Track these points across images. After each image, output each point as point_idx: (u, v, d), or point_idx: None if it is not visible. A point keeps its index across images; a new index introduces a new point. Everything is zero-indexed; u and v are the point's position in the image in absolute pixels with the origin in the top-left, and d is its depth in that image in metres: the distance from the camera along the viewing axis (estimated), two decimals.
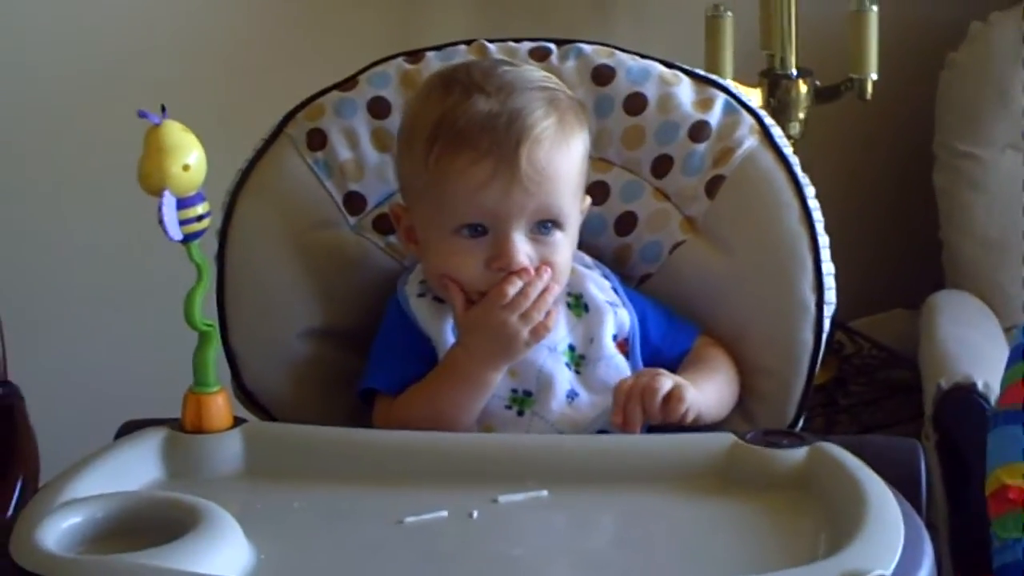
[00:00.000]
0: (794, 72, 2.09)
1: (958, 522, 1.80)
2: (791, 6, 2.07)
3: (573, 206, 1.37)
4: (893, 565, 1.06)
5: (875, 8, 2.03)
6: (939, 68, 2.22)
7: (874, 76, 2.05)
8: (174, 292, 2.02)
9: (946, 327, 2.05)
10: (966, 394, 1.85)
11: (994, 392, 1.84)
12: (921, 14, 2.21)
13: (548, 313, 1.33)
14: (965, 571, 1.76)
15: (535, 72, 1.41)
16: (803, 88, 2.09)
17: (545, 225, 1.35)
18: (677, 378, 1.34)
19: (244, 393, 1.45)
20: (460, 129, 1.33)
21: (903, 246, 2.34)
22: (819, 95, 2.11)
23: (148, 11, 2.04)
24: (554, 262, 1.35)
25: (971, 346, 1.99)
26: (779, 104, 2.06)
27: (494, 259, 1.34)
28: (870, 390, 2.22)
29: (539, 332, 1.33)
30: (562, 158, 1.35)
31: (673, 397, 1.31)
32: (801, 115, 2.07)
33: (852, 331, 2.38)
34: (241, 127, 1.55)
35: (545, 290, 1.33)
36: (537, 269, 1.34)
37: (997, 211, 2.18)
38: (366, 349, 1.43)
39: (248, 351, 1.45)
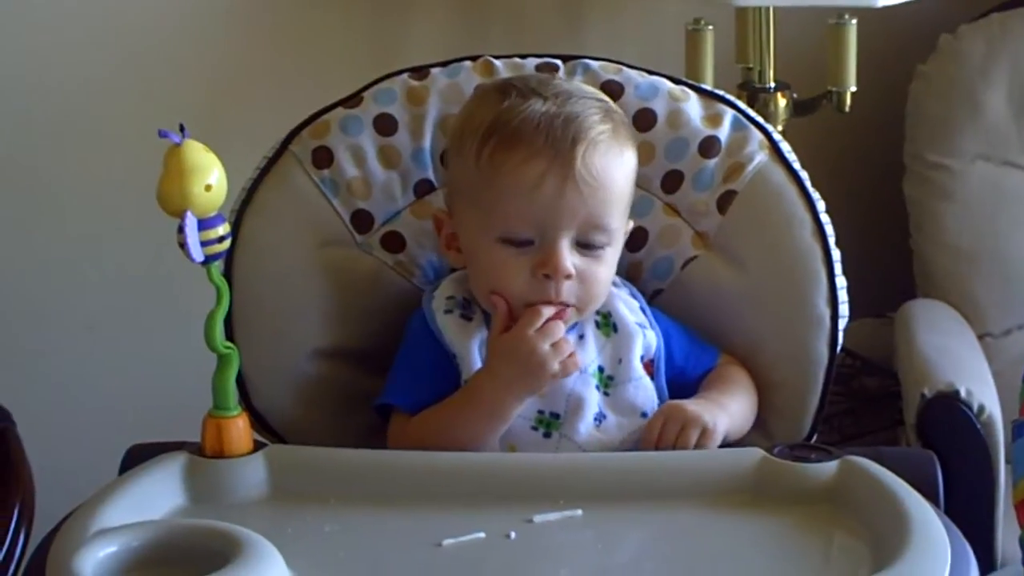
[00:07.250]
0: (772, 85, 2.11)
1: None
2: (769, 20, 2.08)
3: (620, 225, 1.36)
4: None
5: (854, 22, 2.04)
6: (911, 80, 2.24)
7: (853, 88, 2.07)
8: (167, 314, 2.00)
9: (924, 335, 2.07)
10: (950, 402, 1.87)
11: (976, 400, 1.87)
12: (894, 27, 2.22)
13: (572, 355, 1.32)
14: None
15: (588, 87, 1.42)
16: (781, 101, 2.11)
17: (592, 239, 1.34)
18: (705, 421, 1.32)
19: (254, 416, 1.43)
20: (515, 127, 1.32)
21: (872, 256, 2.36)
22: (797, 108, 2.12)
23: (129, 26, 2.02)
24: (597, 277, 1.34)
25: (950, 354, 2.01)
26: None
27: (540, 265, 1.32)
28: (845, 399, 2.23)
29: (568, 367, 1.31)
30: (616, 167, 1.34)
31: (701, 443, 1.31)
32: (779, 128, 2.08)
33: None
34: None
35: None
36: (561, 311, 1.33)
37: (968, 221, 2.21)
38: (377, 369, 1.42)
39: (258, 373, 1.43)
